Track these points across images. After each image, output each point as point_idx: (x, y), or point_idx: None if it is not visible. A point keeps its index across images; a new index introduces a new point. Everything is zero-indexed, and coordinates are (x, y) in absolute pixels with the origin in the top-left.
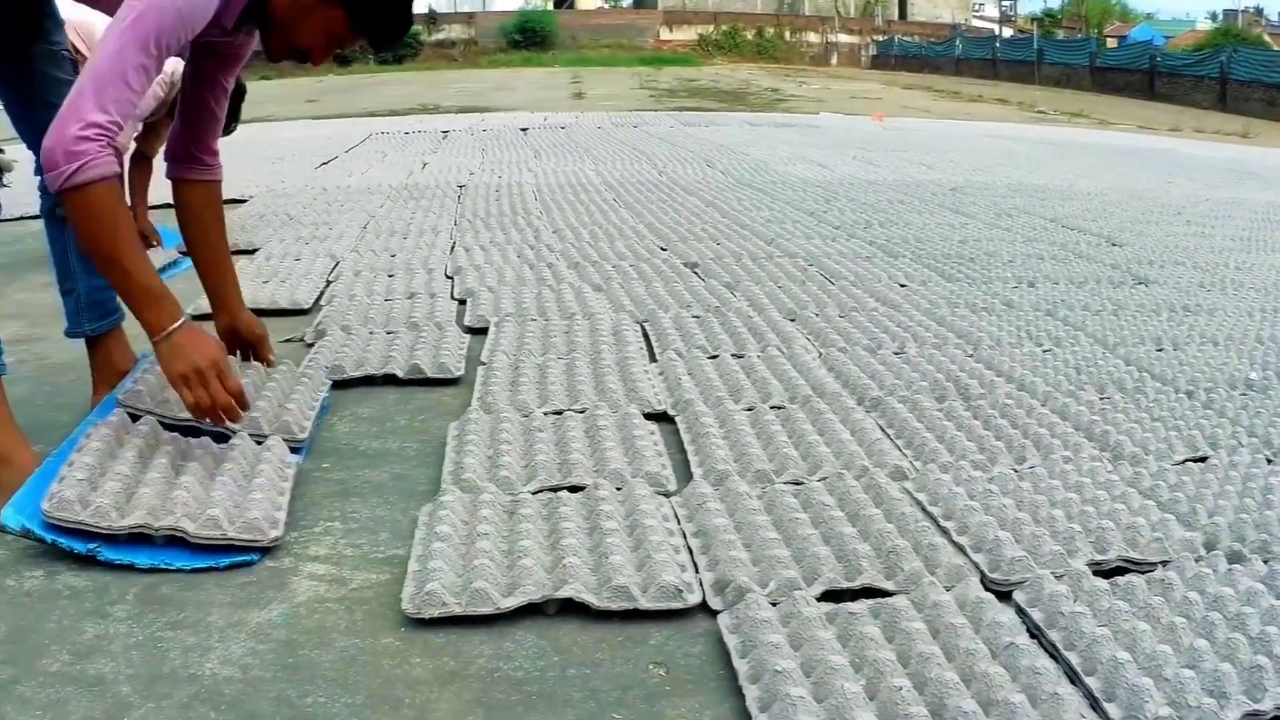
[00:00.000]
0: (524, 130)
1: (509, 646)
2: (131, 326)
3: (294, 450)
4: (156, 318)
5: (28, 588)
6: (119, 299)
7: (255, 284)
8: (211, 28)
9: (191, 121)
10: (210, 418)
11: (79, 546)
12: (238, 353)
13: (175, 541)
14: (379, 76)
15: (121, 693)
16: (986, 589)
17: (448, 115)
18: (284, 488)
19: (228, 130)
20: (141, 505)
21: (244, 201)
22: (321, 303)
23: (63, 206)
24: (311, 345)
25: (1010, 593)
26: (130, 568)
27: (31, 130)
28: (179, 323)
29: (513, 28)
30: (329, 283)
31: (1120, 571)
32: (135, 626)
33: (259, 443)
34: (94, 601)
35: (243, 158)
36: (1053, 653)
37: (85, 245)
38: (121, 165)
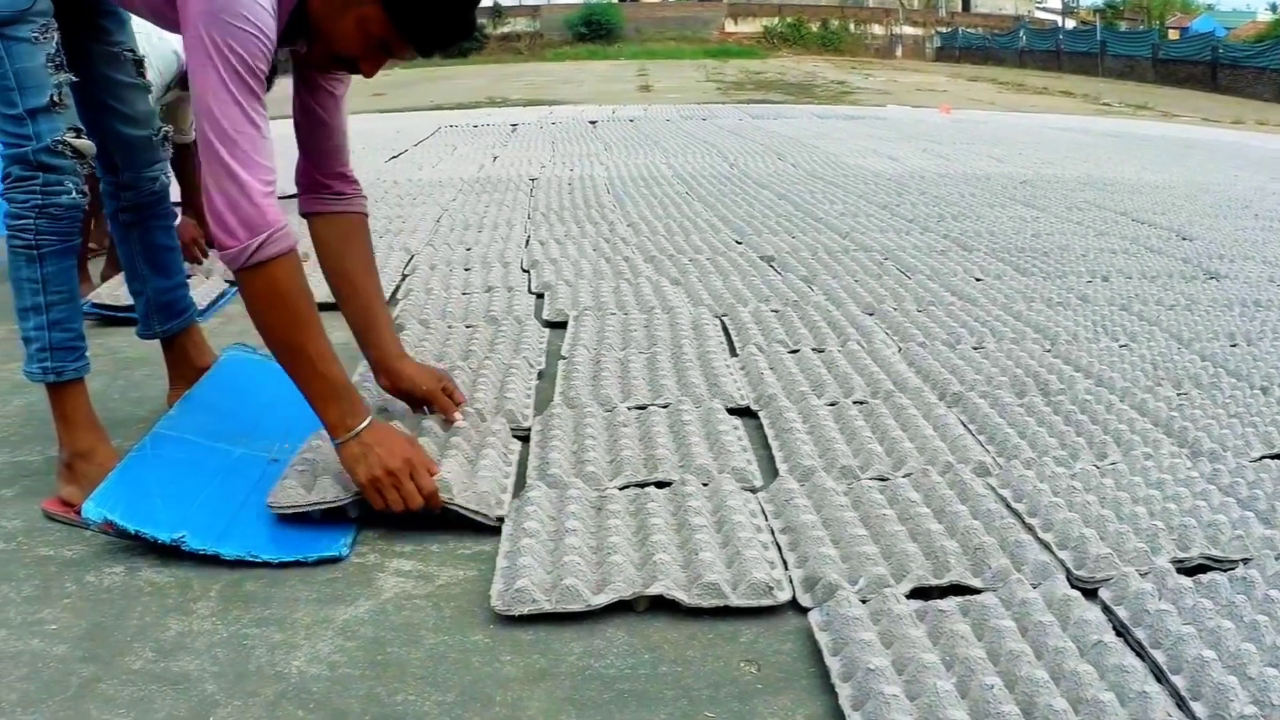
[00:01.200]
0: (593, 123)
1: (599, 644)
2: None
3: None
4: (340, 417)
5: (108, 584)
6: (190, 298)
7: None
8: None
9: (308, 142)
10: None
11: (164, 536)
12: (424, 409)
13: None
14: (445, 70)
15: (207, 690)
16: (1073, 586)
17: (515, 108)
18: (508, 471)
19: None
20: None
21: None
22: (398, 296)
23: (239, 286)
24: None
25: (1096, 590)
26: (215, 561)
27: (90, 132)
28: (366, 422)
29: (578, 20)
30: (404, 276)
31: (1202, 569)
32: (219, 623)
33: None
34: (176, 598)
35: None
36: (1138, 651)
37: (263, 329)
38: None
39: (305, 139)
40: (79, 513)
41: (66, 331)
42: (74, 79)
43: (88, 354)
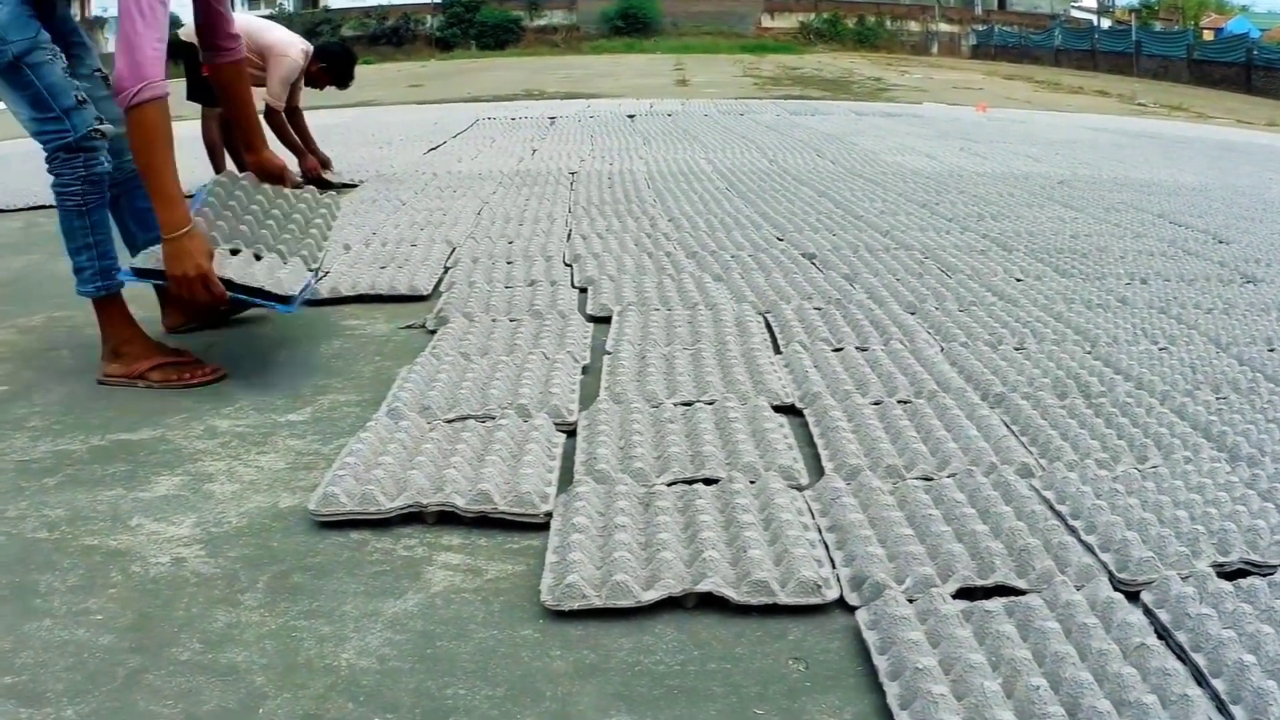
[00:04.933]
0: (631, 117)
1: (649, 640)
2: None
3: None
4: (170, 218)
5: (154, 574)
6: None
7: (373, 269)
8: None
9: (208, 25)
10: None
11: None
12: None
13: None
14: (481, 61)
15: (255, 683)
16: (1115, 589)
17: (553, 101)
18: (552, 465)
19: (344, 85)
20: (411, 487)
21: (354, 186)
22: (440, 289)
23: (126, 119)
24: (434, 331)
25: (1138, 593)
26: (266, 554)
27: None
28: (186, 229)
29: (614, 13)
30: (447, 269)
31: (1241, 574)
32: (267, 615)
33: (525, 421)
34: (224, 589)
35: (350, 142)
36: (1180, 654)
37: (133, 151)
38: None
39: (205, 22)
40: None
41: (108, 259)
42: (86, 84)
43: (121, 275)
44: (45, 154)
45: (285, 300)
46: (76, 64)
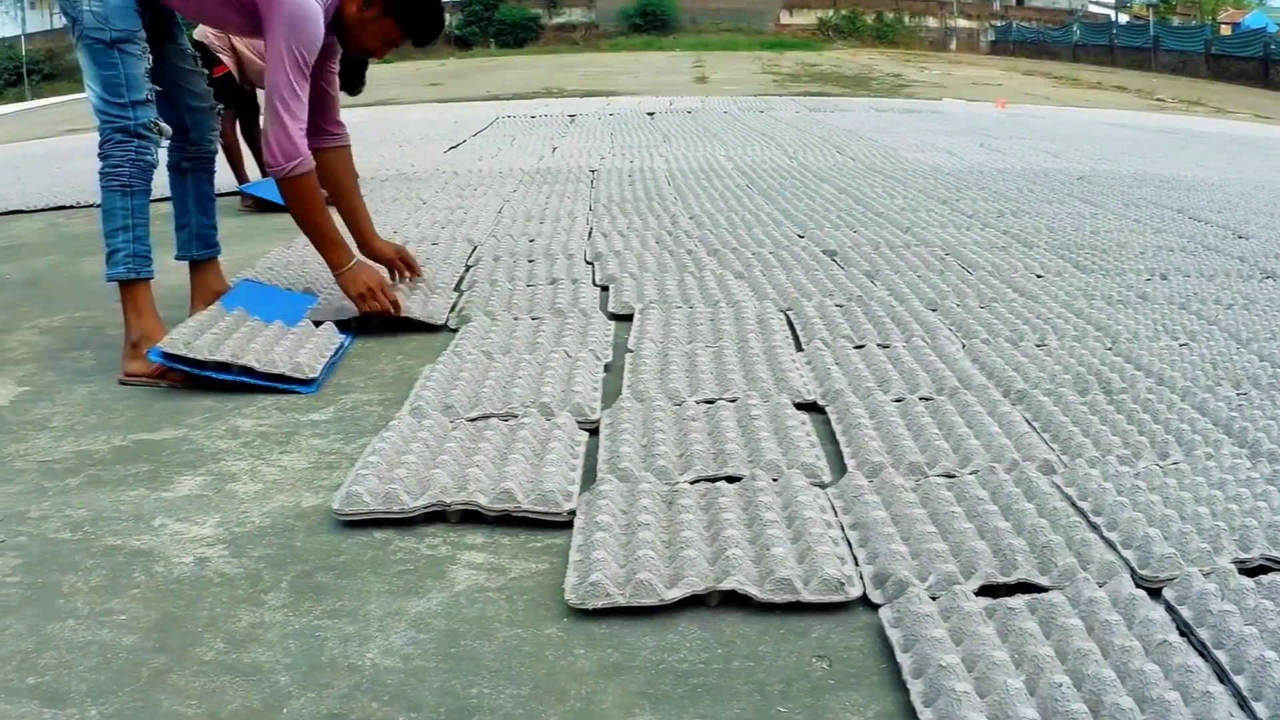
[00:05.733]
0: (650, 114)
1: (672, 638)
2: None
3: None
4: (337, 259)
5: (177, 574)
6: (217, 236)
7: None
8: None
9: (316, 105)
10: (380, 314)
11: (194, 370)
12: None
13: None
14: (500, 60)
15: (280, 682)
16: (1137, 585)
17: (572, 99)
18: (575, 463)
19: (355, 91)
20: (435, 486)
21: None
22: (462, 287)
23: (282, 189)
24: (456, 330)
25: (1159, 589)
26: (290, 554)
27: (168, 106)
28: (354, 261)
29: (633, 11)
30: (468, 268)
31: (1263, 570)
32: (291, 615)
33: (548, 419)
34: (247, 589)
35: (369, 140)
36: (1201, 651)
37: (294, 215)
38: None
39: (314, 102)
40: (144, 374)
41: (143, 245)
42: (159, 89)
43: (153, 265)
44: (100, 137)
45: (306, 382)
46: (173, 39)
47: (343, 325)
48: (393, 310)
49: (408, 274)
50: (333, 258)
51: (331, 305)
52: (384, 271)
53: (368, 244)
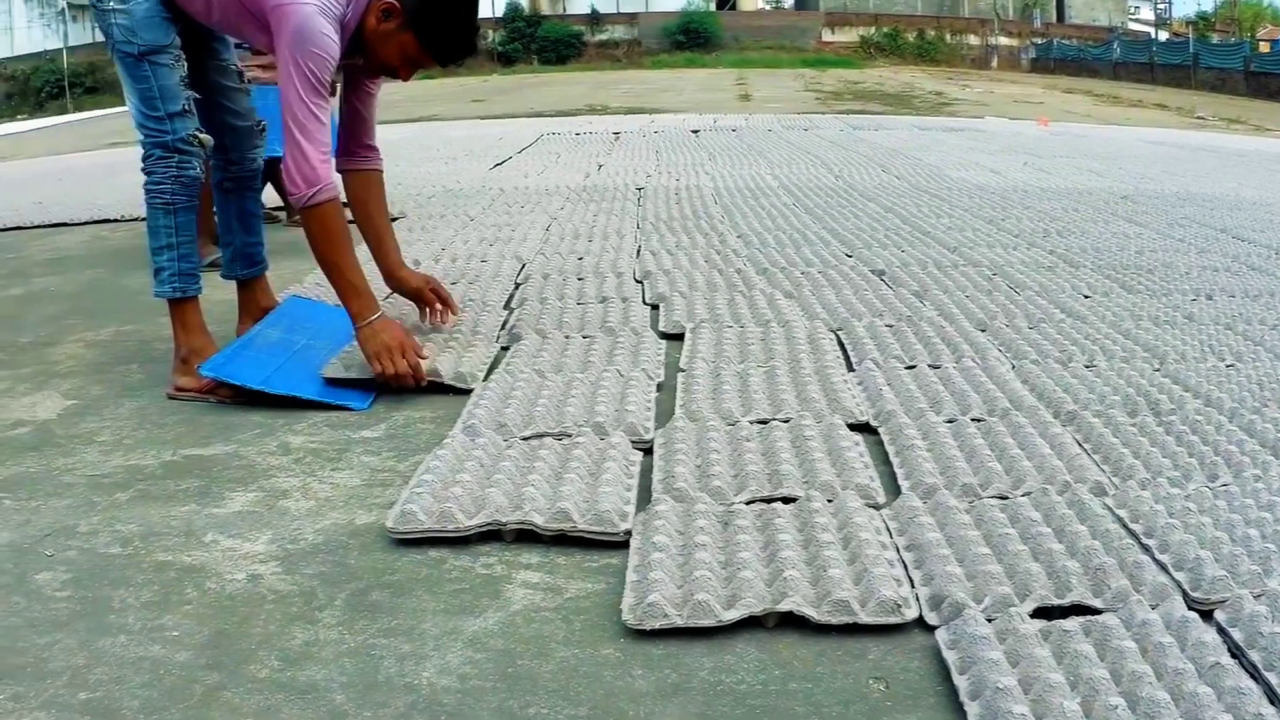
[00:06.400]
0: (695, 132)
1: (730, 660)
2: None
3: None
4: (359, 309)
5: (230, 591)
6: (264, 253)
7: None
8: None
9: (349, 123)
10: (394, 382)
11: (254, 384)
12: (425, 312)
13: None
14: (543, 76)
15: (335, 701)
16: (1189, 608)
17: (616, 116)
18: (630, 483)
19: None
20: (490, 505)
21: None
22: (512, 305)
23: (303, 220)
24: (507, 349)
25: (1211, 611)
26: (344, 571)
27: (208, 124)
28: (377, 314)
29: (676, 28)
30: (517, 285)
31: None
32: (346, 633)
33: (602, 439)
34: (301, 606)
35: (415, 158)
36: (1253, 673)
37: (313, 249)
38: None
39: (347, 120)
40: (193, 388)
41: (189, 263)
42: (197, 96)
43: (200, 282)
44: (142, 151)
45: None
46: (215, 55)
47: (365, 383)
48: (410, 380)
49: (439, 308)
50: (353, 307)
51: (355, 358)
52: (414, 311)
53: (394, 274)
